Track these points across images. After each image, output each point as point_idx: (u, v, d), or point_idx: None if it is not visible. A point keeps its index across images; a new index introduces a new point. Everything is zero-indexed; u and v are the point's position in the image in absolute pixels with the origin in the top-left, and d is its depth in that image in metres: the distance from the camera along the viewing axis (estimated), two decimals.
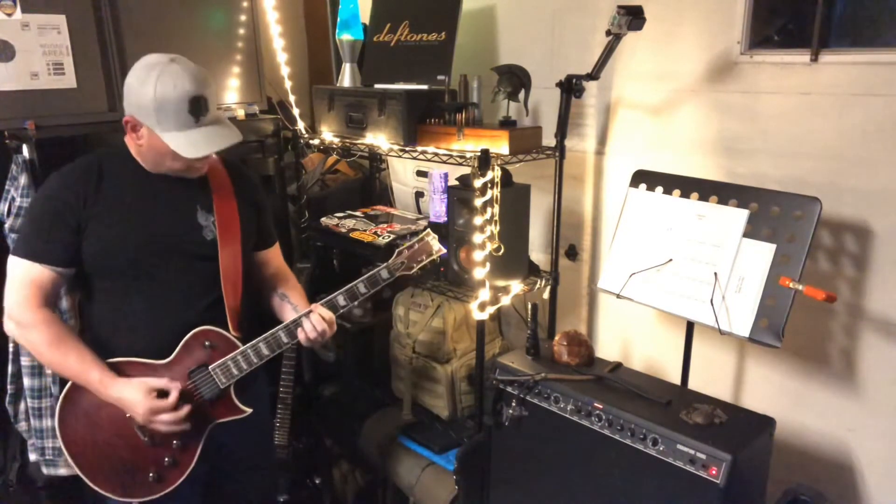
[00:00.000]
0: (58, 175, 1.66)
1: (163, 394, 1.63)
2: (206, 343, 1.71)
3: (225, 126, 1.66)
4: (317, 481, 2.68)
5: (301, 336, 1.74)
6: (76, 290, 1.80)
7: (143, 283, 1.68)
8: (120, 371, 1.64)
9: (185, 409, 1.64)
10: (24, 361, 2.11)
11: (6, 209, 2.08)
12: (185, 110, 1.56)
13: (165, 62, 1.56)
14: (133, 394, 1.61)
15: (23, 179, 2.06)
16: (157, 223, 1.68)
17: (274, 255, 1.97)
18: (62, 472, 2.16)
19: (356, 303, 1.82)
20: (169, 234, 1.69)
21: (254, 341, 1.73)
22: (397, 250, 1.85)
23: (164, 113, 1.55)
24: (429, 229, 1.92)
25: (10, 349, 2.12)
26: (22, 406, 2.18)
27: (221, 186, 1.78)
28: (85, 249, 1.63)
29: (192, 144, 1.58)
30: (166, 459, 1.69)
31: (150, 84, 1.54)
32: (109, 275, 1.67)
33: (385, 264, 1.82)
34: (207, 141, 1.60)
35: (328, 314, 1.75)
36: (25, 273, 1.60)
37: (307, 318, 1.74)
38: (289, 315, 1.83)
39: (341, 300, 1.79)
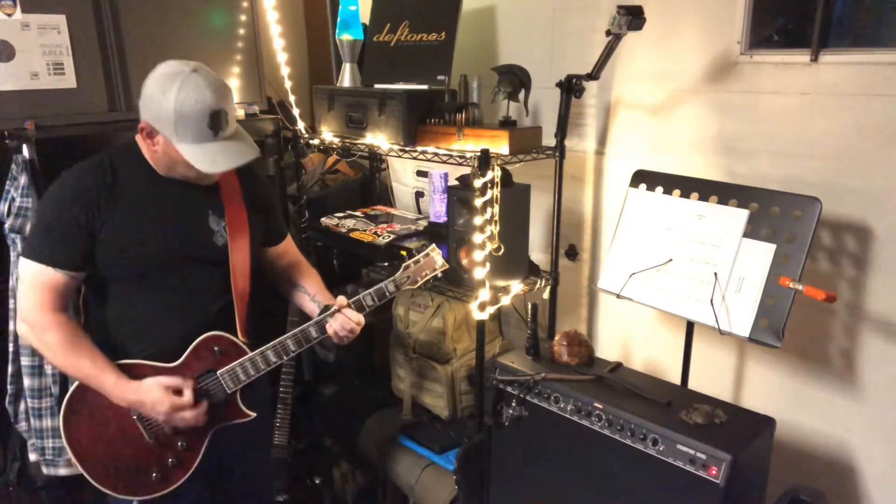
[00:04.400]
0: (70, 176, 1.64)
1: (176, 392, 1.64)
2: (216, 348, 1.72)
3: (243, 141, 1.64)
4: (317, 481, 2.68)
5: (329, 331, 1.77)
6: (83, 288, 1.80)
7: (155, 288, 1.68)
8: (129, 373, 1.64)
9: (205, 404, 1.66)
10: (24, 361, 2.11)
11: (6, 209, 2.08)
12: (205, 124, 1.54)
13: (188, 73, 1.53)
14: (153, 394, 1.61)
15: (23, 179, 2.06)
16: (171, 229, 1.68)
17: (287, 247, 1.99)
18: (62, 472, 2.17)
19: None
20: (182, 239, 1.69)
21: (262, 348, 1.74)
22: (403, 265, 1.88)
23: (184, 125, 1.53)
24: (434, 244, 1.95)
25: (10, 349, 2.12)
26: (22, 406, 2.18)
27: (231, 190, 1.77)
28: (98, 253, 1.62)
29: (210, 158, 1.57)
30: (170, 459, 1.70)
31: (171, 95, 1.51)
32: (121, 278, 1.66)
33: (392, 278, 1.85)
34: (225, 156, 1.59)
35: (357, 316, 1.78)
36: (38, 277, 1.58)
37: (334, 319, 1.76)
38: (308, 306, 1.88)
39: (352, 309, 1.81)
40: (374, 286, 1.84)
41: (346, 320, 1.76)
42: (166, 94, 1.52)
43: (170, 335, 1.69)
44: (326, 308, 1.80)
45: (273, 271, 1.97)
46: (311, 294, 1.90)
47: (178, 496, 1.73)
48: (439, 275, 1.93)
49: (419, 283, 1.89)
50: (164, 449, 1.70)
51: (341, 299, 1.80)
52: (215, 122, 1.56)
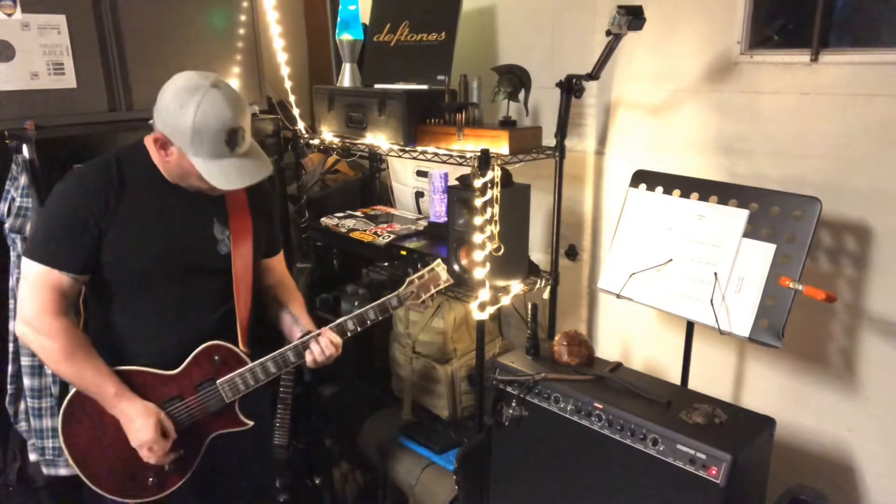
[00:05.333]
0: (76, 176, 1.63)
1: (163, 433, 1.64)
2: (216, 358, 1.71)
3: (257, 158, 1.64)
4: (317, 481, 2.68)
5: (308, 358, 1.75)
6: (84, 290, 1.80)
7: (156, 293, 1.68)
8: (128, 380, 1.64)
9: (174, 455, 1.66)
10: (25, 361, 2.11)
11: (6, 209, 2.08)
12: (222, 141, 1.54)
13: (207, 87, 1.52)
14: (143, 422, 1.61)
15: (23, 179, 2.06)
16: (175, 236, 1.67)
17: (277, 263, 1.97)
18: (62, 472, 2.16)
19: (363, 328, 1.83)
20: (186, 247, 1.68)
21: (262, 359, 1.74)
22: (408, 280, 1.88)
23: (201, 141, 1.53)
24: (439, 260, 1.95)
25: (11, 349, 2.12)
26: (22, 406, 2.18)
27: (237, 199, 1.76)
28: (102, 257, 1.61)
29: (224, 175, 1.57)
30: (166, 465, 1.69)
31: (189, 110, 1.50)
32: (123, 283, 1.66)
33: (396, 293, 1.85)
34: (239, 173, 1.58)
35: (336, 339, 1.76)
36: (42, 278, 1.57)
37: (316, 342, 1.74)
38: (291, 328, 1.85)
39: (350, 325, 1.81)
40: (374, 287, 1.84)
41: (327, 344, 1.75)
42: (185, 108, 1.51)
43: (170, 342, 1.69)
44: (308, 333, 1.79)
45: (260, 285, 1.94)
46: (295, 316, 1.87)
47: (175, 499, 1.73)
48: (443, 290, 1.93)
49: (423, 299, 1.88)
50: None
51: (324, 329, 1.78)
52: (232, 140, 1.55)
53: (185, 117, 1.51)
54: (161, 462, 1.65)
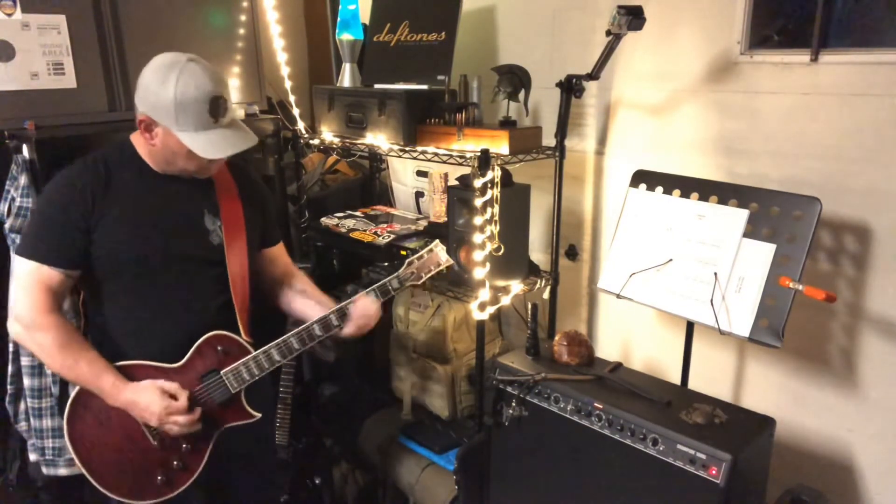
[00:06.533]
0: (64, 175, 1.63)
1: (171, 397, 1.63)
2: (219, 348, 1.71)
3: (241, 128, 1.65)
4: (317, 481, 2.68)
5: (349, 327, 1.77)
6: (80, 290, 1.79)
7: (151, 287, 1.68)
8: (131, 375, 1.63)
9: (198, 411, 1.65)
10: (24, 361, 2.10)
11: (6, 209, 2.08)
12: (205, 111, 1.55)
13: (184, 61, 1.54)
14: (147, 396, 1.60)
15: (23, 179, 2.06)
16: (165, 228, 1.67)
17: (281, 253, 1.98)
18: (62, 472, 2.16)
19: None
20: (176, 239, 1.68)
21: (266, 347, 1.73)
22: (407, 261, 1.87)
23: (184, 113, 1.54)
24: (437, 240, 1.93)
25: (10, 349, 2.12)
26: (22, 406, 2.18)
27: (226, 188, 1.77)
28: (93, 252, 1.61)
29: (211, 145, 1.57)
30: (175, 462, 1.69)
31: (170, 84, 1.52)
32: (117, 278, 1.66)
33: (395, 274, 1.85)
34: (226, 142, 1.59)
35: (373, 307, 1.79)
36: (33, 275, 1.58)
37: (355, 305, 1.76)
38: (312, 309, 1.84)
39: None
40: (375, 284, 1.84)
41: (366, 305, 1.77)
42: (165, 83, 1.52)
43: (169, 335, 1.69)
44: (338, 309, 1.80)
45: (267, 277, 1.94)
46: (317, 298, 1.88)
47: (182, 499, 1.72)
48: (444, 271, 1.92)
49: (423, 280, 1.88)
50: (169, 452, 1.69)
51: (359, 295, 1.81)
52: (215, 109, 1.56)
53: (166, 91, 1.52)
54: (190, 427, 1.63)
